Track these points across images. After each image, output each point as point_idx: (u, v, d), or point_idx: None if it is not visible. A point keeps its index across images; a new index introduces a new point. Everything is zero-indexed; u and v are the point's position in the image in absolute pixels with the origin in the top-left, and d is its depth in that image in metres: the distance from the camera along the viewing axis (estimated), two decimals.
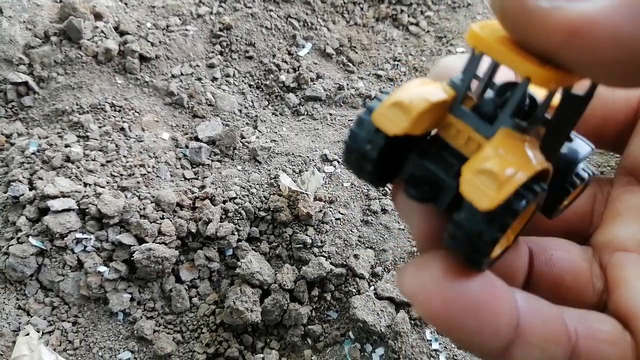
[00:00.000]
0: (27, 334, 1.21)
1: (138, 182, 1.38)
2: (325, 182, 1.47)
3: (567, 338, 0.26)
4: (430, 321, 0.24)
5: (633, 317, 0.27)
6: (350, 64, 1.83)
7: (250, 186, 1.42)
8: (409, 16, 1.98)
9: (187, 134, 1.57)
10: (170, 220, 1.32)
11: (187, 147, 1.52)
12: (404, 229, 1.41)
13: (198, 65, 1.71)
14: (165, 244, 1.29)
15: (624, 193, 0.33)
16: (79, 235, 1.28)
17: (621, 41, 0.18)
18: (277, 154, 1.51)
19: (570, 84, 0.24)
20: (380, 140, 0.25)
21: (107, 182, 1.37)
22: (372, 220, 1.43)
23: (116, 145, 1.45)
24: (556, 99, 0.25)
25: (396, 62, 1.87)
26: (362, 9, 1.98)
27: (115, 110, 1.55)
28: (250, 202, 1.39)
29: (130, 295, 1.28)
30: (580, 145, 0.30)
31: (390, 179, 0.30)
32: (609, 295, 0.29)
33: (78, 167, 1.38)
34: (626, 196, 0.32)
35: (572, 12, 0.19)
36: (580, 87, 0.25)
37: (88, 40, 1.61)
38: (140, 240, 1.29)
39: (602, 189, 0.34)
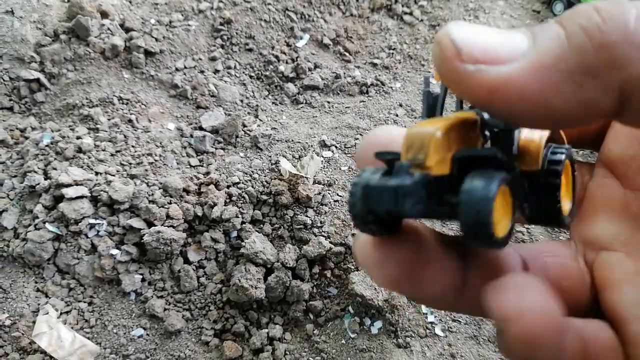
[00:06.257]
0: (47, 313, 1.29)
1: (146, 170, 1.46)
2: (324, 166, 1.54)
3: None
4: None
5: (623, 322, 0.29)
6: (347, 54, 1.89)
7: (252, 172, 1.49)
8: (403, 6, 2.04)
9: (191, 124, 1.65)
10: (178, 205, 1.39)
11: (191, 136, 1.60)
12: None
13: (200, 59, 1.78)
14: (173, 227, 1.36)
15: (601, 187, 0.35)
16: (92, 221, 1.35)
17: (529, 96, 0.23)
18: (277, 140, 1.58)
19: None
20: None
21: (117, 171, 1.45)
22: None
23: (125, 136, 1.53)
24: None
25: (391, 51, 1.93)
26: (357, 0, 2.04)
27: (123, 103, 1.62)
28: (252, 186, 1.46)
29: (141, 276, 1.36)
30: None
31: None
32: (599, 294, 0.32)
33: (89, 157, 1.45)
34: (603, 191, 0.35)
35: (491, 73, 0.23)
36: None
37: (95, 37, 1.69)
38: (150, 224, 1.36)
39: (582, 174, 0.37)
